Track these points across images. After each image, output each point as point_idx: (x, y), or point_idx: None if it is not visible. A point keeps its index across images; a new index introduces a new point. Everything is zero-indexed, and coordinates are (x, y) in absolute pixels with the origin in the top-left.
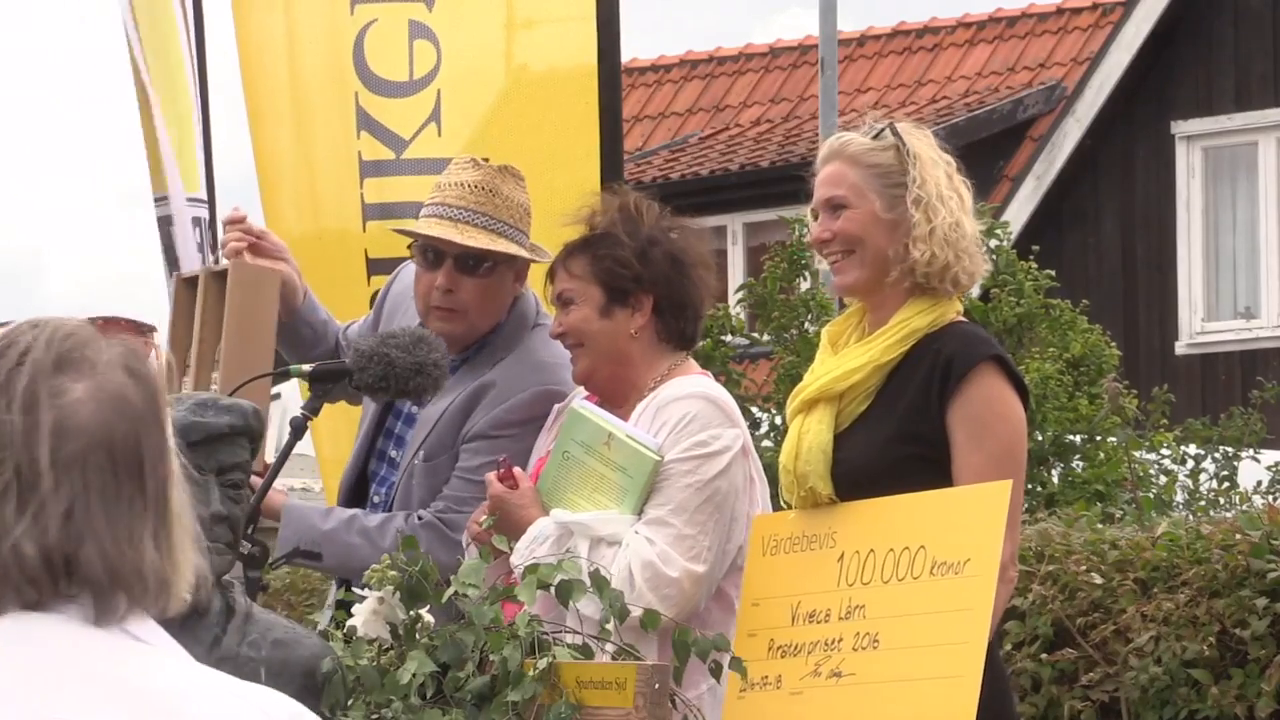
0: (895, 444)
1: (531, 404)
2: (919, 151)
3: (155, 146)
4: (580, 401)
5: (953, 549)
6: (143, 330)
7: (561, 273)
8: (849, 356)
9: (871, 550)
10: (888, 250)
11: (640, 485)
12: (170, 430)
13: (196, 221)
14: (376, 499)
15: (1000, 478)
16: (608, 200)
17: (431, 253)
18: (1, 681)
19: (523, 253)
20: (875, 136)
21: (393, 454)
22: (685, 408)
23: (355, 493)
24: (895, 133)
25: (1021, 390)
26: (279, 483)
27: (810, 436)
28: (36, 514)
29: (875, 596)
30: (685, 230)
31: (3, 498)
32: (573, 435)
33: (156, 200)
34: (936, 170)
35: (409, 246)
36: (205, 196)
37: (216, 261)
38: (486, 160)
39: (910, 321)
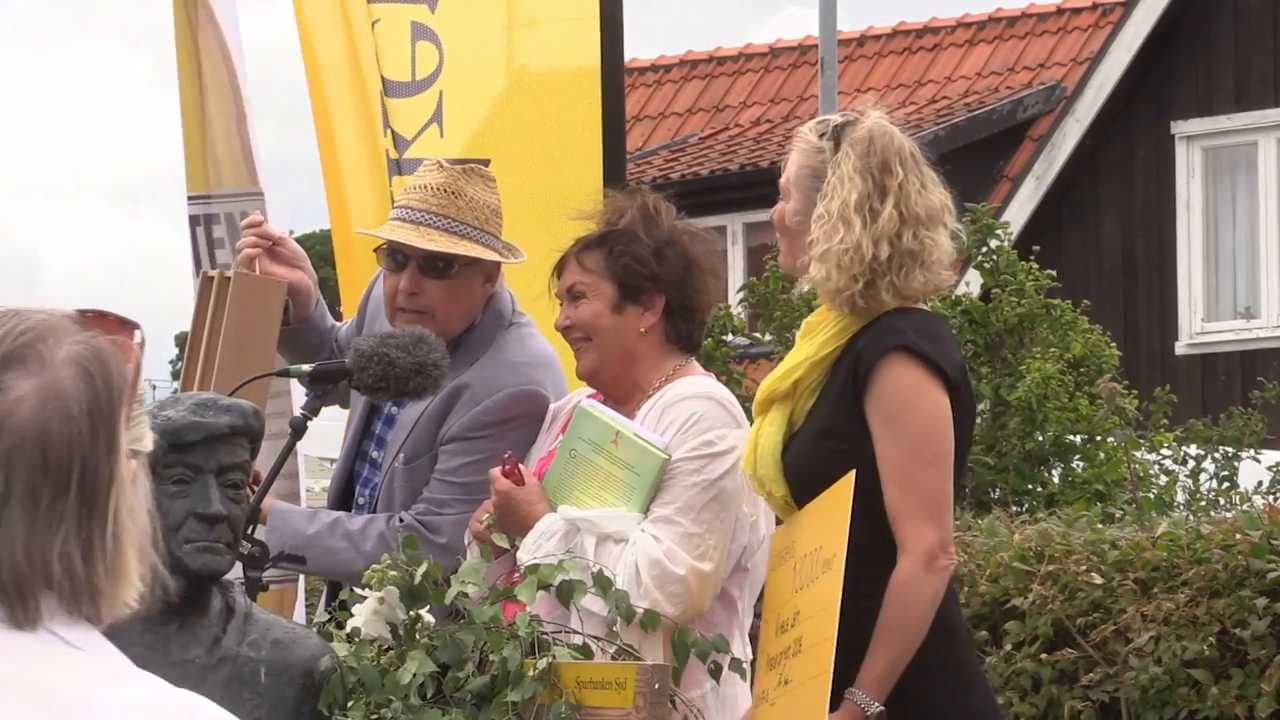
0: (819, 442)
1: (507, 404)
2: (841, 165)
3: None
4: (588, 400)
5: (829, 547)
6: (121, 328)
7: (574, 266)
8: (795, 353)
9: (804, 554)
10: (799, 254)
11: (648, 483)
12: (122, 433)
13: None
14: (361, 500)
15: (917, 468)
16: (624, 198)
17: (400, 256)
18: None
19: (486, 254)
20: (821, 135)
21: (375, 455)
22: (692, 408)
23: (343, 495)
24: (836, 136)
25: (944, 377)
26: (303, 483)
27: (764, 440)
28: None
29: (803, 600)
30: (698, 235)
31: None
32: (580, 433)
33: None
34: (849, 189)
35: (375, 250)
36: (251, 189)
37: (214, 265)
38: (487, 162)
39: (846, 315)
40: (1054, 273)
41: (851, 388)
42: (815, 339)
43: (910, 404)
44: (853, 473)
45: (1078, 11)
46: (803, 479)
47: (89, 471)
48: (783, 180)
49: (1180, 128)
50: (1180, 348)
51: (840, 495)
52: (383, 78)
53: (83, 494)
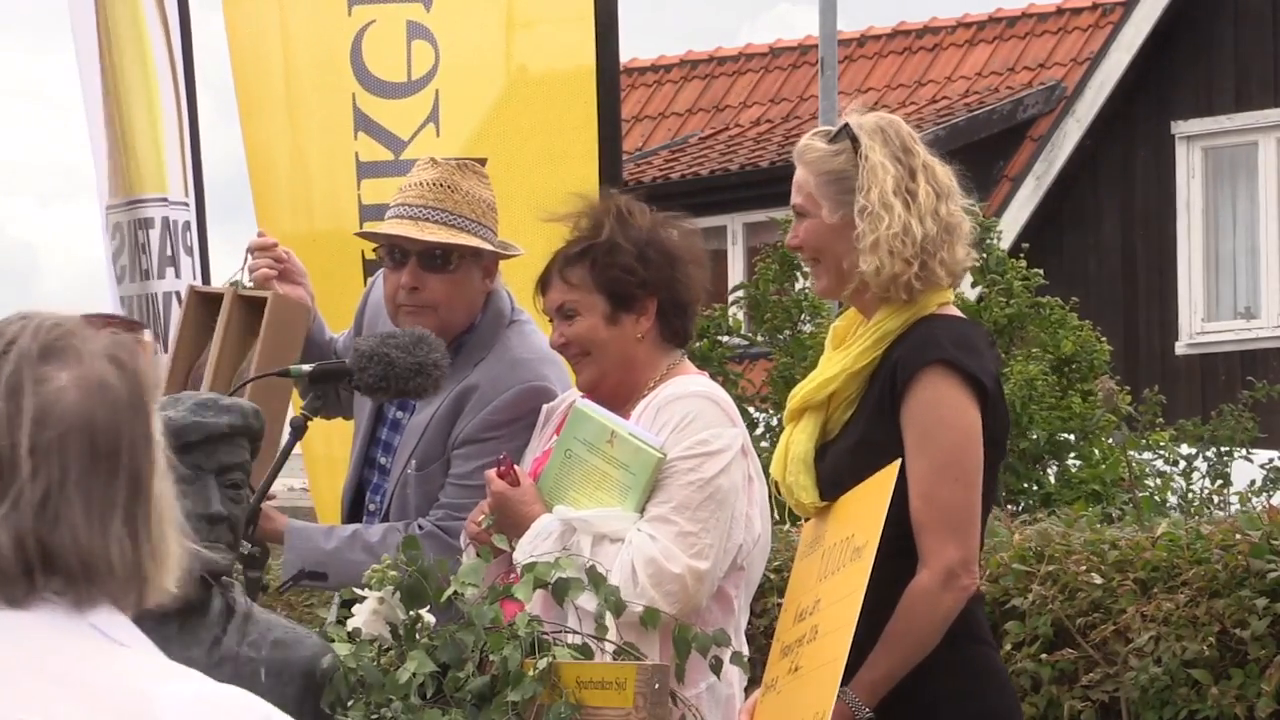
0: (857, 454)
1: (516, 402)
2: (869, 156)
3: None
4: (583, 401)
5: (861, 535)
6: (133, 327)
7: (559, 283)
8: (830, 364)
9: (833, 543)
10: (844, 259)
11: (643, 482)
12: (157, 423)
13: (166, 223)
14: (372, 507)
15: (943, 484)
16: (597, 205)
17: (398, 252)
18: None
19: (484, 245)
20: (831, 140)
21: (383, 461)
22: (686, 407)
23: (355, 503)
24: (851, 135)
25: (979, 390)
26: (279, 482)
27: (795, 447)
28: (15, 501)
29: (826, 588)
30: (677, 228)
31: None
32: (575, 434)
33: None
34: (884, 175)
35: (375, 249)
36: (184, 199)
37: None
38: (484, 161)
39: (883, 325)
40: (1041, 271)
41: (889, 400)
42: (850, 350)
43: (944, 419)
44: (896, 463)
45: (1078, 11)
46: (839, 488)
47: (134, 457)
48: (798, 201)
49: (1180, 128)
50: (1180, 348)
51: (881, 485)
52: (373, 78)
53: (130, 479)
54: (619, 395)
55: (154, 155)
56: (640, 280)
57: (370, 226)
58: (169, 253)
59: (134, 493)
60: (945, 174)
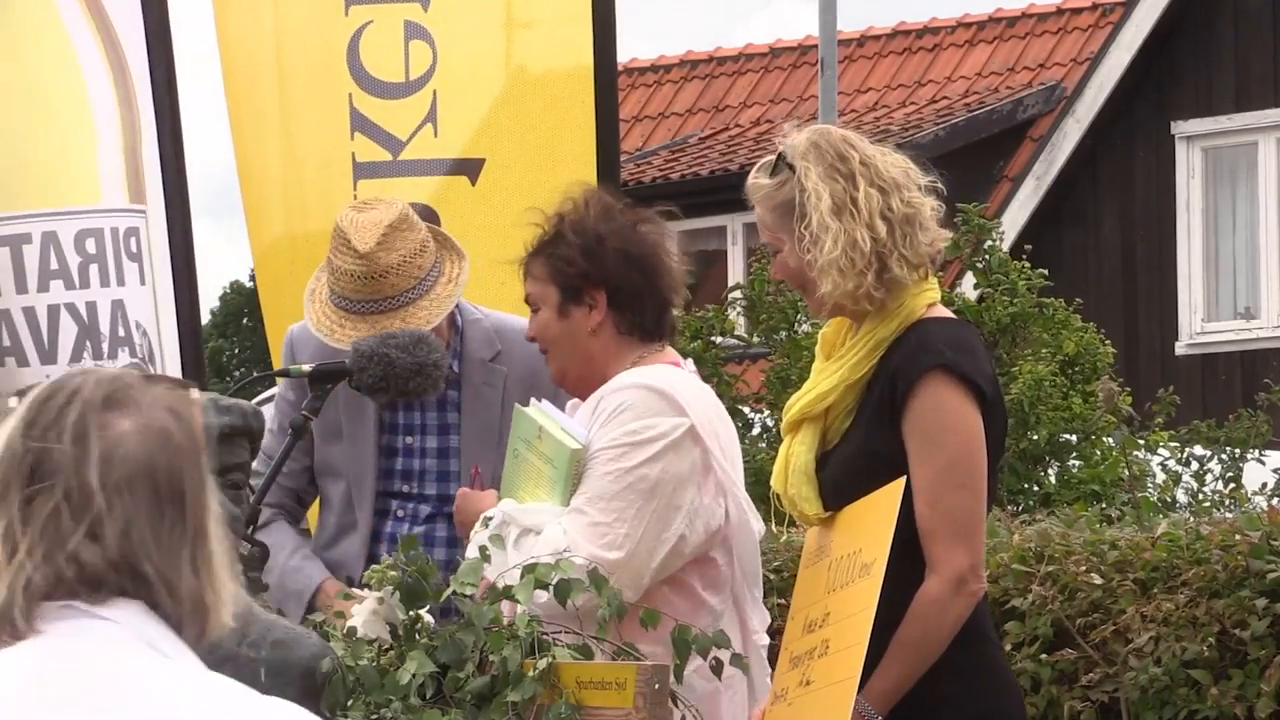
0: (860, 461)
1: None
2: (804, 182)
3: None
4: (535, 401)
5: (869, 551)
6: (183, 385)
7: (527, 277)
8: (825, 375)
9: (841, 555)
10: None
11: (564, 475)
12: (208, 470)
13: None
14: (401, 513)
15: (949, 489)
16: (566, 201)
17: None
18: (37, 686)
19: (437, 310)
20: (771, 174)
21: (404, 489)
22: (621, 398)
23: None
24: (787, 163)
25: (979, 393)
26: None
27: (796, 459)
28: (92, 530)
29: (835, 602)
30: (640, 222)
31: (52, 517)
32: (518, 433)
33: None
34: (819, 200)
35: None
36: (135, 205)
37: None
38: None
39: (876, 332)
40: (1045, 271)
41: (889, 408)
42: (845, 360)
43: (947, 425)
44: (901, 480)
45: (1078, 11)
46: (842, 497)
47: (193, 499)
48: (765, 239)
49: (1180, 128)
50: (1180, 348)
51: (887, 501)
52: (370, 78)
53: (192, 519)
54: (587, 388)
55: (84, 163)
56: (581, 271)
57: (319, 322)
58: (50, 266)
59: (196, 532)
60: (892, 164)
